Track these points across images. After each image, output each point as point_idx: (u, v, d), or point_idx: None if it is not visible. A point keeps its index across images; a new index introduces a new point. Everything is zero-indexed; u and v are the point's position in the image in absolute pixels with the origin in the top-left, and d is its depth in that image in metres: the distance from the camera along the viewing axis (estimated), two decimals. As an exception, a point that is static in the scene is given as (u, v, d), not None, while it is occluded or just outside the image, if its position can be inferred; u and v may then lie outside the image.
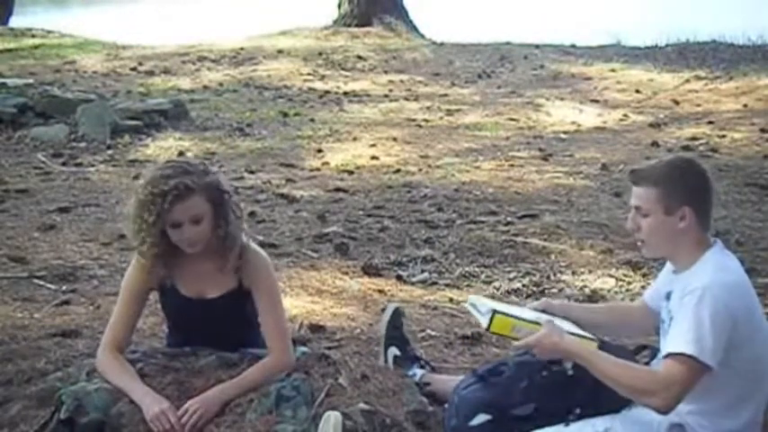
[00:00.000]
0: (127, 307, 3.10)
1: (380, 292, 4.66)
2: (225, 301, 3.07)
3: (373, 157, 7.90)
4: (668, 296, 2.77)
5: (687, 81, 11.61)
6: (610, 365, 2.62)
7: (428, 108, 10.45)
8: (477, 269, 5.05)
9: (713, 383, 2.59)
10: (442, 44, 15.30)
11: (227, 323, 3.09)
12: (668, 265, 2.89)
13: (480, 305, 2.84)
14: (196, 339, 3.15)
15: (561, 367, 2.83)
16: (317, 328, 4.03)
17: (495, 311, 2.72)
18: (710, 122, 9.25)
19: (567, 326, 2.83)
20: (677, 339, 2.55)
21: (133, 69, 12.76)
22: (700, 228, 2.69)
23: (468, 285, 4.83)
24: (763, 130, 8.67)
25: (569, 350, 2.66)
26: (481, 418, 2.89)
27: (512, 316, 2.75)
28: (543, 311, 2.92)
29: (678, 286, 2.69)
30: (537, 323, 2.72)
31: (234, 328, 3.12)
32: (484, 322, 2.75)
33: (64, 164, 7.62)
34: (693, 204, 2.67)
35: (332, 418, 2.74)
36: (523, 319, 2.74)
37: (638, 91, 11.31)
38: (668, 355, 2.55)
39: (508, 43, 15.01)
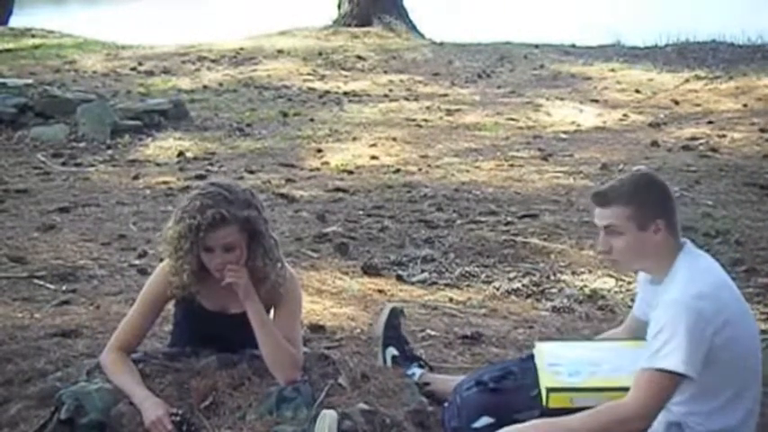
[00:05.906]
0: (144, 312, 3.11)
1: (380, 291, 4.66)
2: (246, 317, 3.03)
3: (373, 157, 7.90)
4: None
5: (687, 81, 11.60)
6: (581, 423, 2.61)
7: (428, 108, 10.43)
8: (476, 269, 5.04)
9: (709, 385, 2.61)
10: (441, 44, 15.27)
11: (246, 338, 3.06)
12: (642, 276, 2.95)
13: (547, 360, 2.87)
14: (210, 349, 3.13)
15: None
16: (316, 328, 4.03)
17: (549, 390, 2.78)
18: (710, 122, 9.25)
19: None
20: (654, 354, 2.57)
21: (133, 69, 12.74)
22: (671, 236, 2.73)
23: (468, 285, 4.83)
24: (762, 130, 8.67)
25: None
26: (484, 420, 2.89)
27: (567, 389, 2.78)
28: None
29: (660, 298, 2.72)
30: (596, 389, 2.75)
31: (251, 342, 3.07)
32: (544, 399, 2.81)
33: (64, 164, 7.62)
34: (664, 216, 2.71)
35: (327, 418, 2.73)
36: (580, 389, 2.77)
37: (637, 91, 11.30)
38: (645, 370, 2.57)
39: (508, 43, 14.99)
